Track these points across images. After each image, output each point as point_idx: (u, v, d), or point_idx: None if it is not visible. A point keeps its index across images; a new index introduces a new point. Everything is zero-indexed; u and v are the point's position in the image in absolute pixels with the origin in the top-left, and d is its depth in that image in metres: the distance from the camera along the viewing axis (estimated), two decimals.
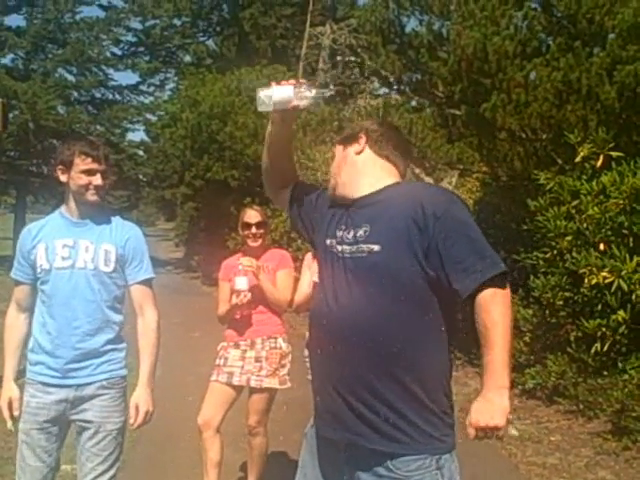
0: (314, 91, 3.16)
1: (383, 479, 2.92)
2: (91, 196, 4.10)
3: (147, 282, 4.26)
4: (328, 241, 3.15)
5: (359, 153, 3.22)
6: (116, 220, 4.24)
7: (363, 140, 3.23)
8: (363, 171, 3.18)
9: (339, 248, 3.07)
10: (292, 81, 3.18)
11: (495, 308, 2.77)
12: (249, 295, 5.60)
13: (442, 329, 2.91)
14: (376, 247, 2.94)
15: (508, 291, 2.83)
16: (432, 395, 2.88)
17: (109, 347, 4.13)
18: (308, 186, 3.55)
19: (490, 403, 2.73)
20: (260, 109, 3.23)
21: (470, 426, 2.76)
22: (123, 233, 4.18)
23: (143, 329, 4.24)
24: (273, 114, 3.26)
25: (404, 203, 2.96)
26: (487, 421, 2.73)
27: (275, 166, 3.46)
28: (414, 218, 2.89)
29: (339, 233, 3.10)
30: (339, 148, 3.31)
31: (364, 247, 2.97)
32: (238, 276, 5.64)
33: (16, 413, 4.14)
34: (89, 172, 4.06)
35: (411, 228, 2.89)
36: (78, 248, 4.07)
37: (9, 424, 4.18)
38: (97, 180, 4.08)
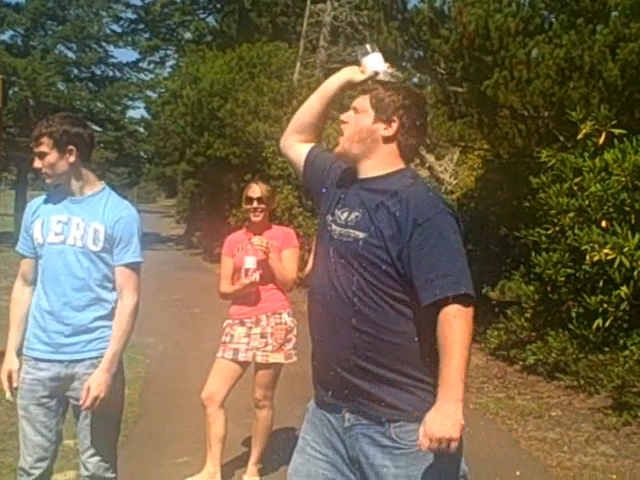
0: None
1: (387, 450, 2.95)
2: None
3: (131, 265, 4.17)
4: (328, 217, 3.17)
5: (388, 139, 3.14)
6: (112, 198, 4.20)
7: (396, 125, 3.13)
8: (379, 154, 3.14)
9: (333, 227, 3.10)
10: (390, 67, 3.23)
11: (456, 322, 2.79)
12: (258, 275, 5.62)
13: (425, 312, 2.90)
14: (361, 235, 2.97)
15: (471, 309, 2.84)
16: (426, 370, 2.91)
17: (99, 324, 4.12)
18: (326, 151, 3.48)
19: (445, 415, 2.73)
20: (359, 55, 3.28)
21: (425, 437, 2.74)
22: (115, 213, 4.13)
23: (118, 312, 4.15)
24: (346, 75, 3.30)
25: (396, 200, 2.96)
26: (443, 433, 2.72)
27: (317, 120, 3.41)
28: (397, 218, 2.91)
29: (337, 212, 3.12)
30: (369, 112, 3.16)
31: (351, 232, 3.01)
32: (247, 255, 5.66)
33: (15, 384, 4.16)
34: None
35: (393, 226, 2.92)
36: (70, 225, 4.08)
37: (7, 394, 4.21)
38: (35, 163, 4.13)
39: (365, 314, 2.95)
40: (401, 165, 3.15)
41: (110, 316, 4.17)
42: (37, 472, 4.15)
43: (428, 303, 2.82)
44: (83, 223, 4.08)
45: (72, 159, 4.08)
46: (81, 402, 4.02)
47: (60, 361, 4.09)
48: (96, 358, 4.09)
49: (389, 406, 2.93)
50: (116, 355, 4.10)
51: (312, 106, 3.40)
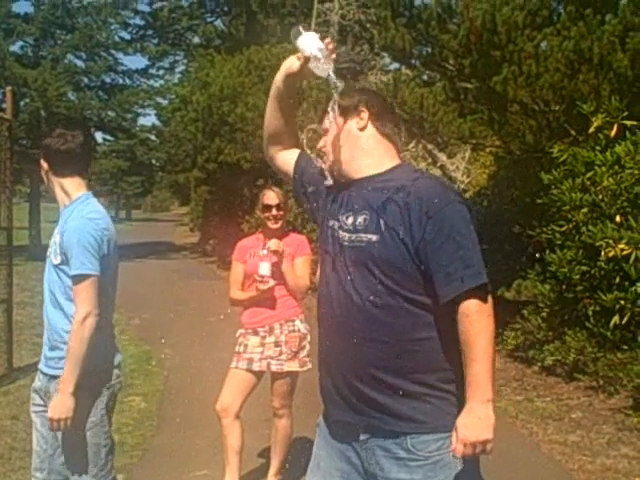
0: (331, 73, 3.05)
1: (402, 461, 2.88)
2: None
3: (76, 278, 3.91)
4: (331, 222, 3.08)
5: (362, 129, 3.10)
6: (77, 209, 4.05)
7: (365, 115, 3.10)
8: (366, 149, 3.08)
9: (341, 234, 3.01)
10: (329, 43, 3.07)
11: (479, 319, 2.73)
12: (272, 281, 5.57)
13: (444, 317, 2.84)
14: (374, 237, 2.88)
15: (490, 302, 2.79)
16: (443, 377, 2.86)
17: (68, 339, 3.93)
18: (312, 159, 3.38)
19: (477, 418, 2.67)
20: (292, 39, 3.14)
21: (458, 442, 2.67)
22: (65, 225, 3.99)
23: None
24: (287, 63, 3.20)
25: (403, 194, 2.89)
26: (477, 436, 2.66)
27: (284, 123, 3.30)
28: (409, 213, 2.84)
29: (341, 217, 3.03)
30: (338, 119, 3.12)
31: (363, 237, 2.91)
32: (262, 261, 5.62)
33: None
34: None
35: (405, 222, 2.84)
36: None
37: None
38: None
39: (385, 323, 2.86)
40: (397, 160, 3.11)
41: None
42: None
43: (450, 298, 2.75)
44: (55, 237, 4.06)
45: (44, 171, 4.12)
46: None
47: (45, 374, 4.07)
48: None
49: (405, 419, 2.86)
50: (69, 374, 3.84)
51: (271, 113, 3.29)
